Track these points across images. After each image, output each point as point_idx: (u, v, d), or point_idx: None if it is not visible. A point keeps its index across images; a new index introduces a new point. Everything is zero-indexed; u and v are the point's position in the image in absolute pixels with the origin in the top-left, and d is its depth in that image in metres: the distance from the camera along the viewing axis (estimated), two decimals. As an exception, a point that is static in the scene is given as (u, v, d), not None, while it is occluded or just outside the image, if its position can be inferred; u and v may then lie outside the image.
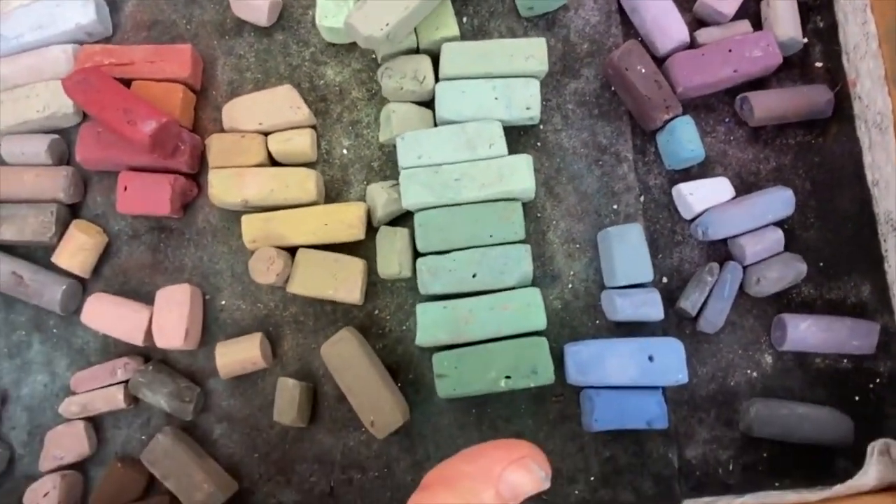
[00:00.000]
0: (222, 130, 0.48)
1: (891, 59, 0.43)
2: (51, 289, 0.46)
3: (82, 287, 0.47)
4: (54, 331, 0.47)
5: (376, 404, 0.42)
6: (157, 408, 0.45)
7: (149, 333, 0.45)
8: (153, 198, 0.45)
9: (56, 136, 0.48)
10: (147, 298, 0.46)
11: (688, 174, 0.47)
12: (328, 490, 0.44)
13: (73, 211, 0.48)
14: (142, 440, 0.46)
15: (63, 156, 0.49)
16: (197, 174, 0.48)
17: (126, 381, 0.45)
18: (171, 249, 0.47)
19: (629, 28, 0.49)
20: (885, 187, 0.44)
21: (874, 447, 0.40)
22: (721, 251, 0.46)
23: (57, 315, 0.47)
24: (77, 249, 0.46)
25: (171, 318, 0.44)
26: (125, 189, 0.46)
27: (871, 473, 0.39)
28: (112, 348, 0.47)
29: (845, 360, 0.45)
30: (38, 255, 0.48)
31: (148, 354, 0.46)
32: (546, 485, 0.34)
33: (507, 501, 0.34)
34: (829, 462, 0.44)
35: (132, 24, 0.50)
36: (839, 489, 0.39)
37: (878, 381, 0.44)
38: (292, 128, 0.47)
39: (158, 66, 0.47)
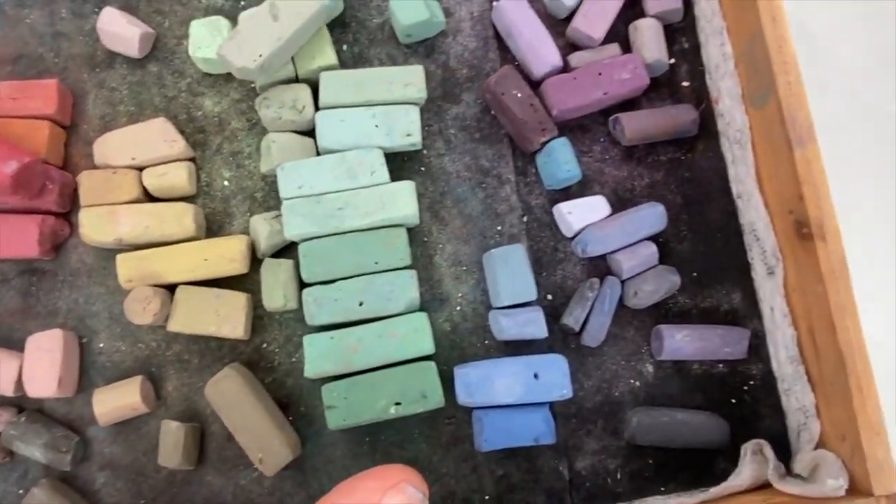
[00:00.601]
0: (95, 167, 0.46)
1: (746, 79, 0.45)
2: (-90, 341, 0.43)
3: (-53, 337, 0.45)
4: (-83, 385, 0.45)
5: (264, 441, 0.41)
6: (33, 460, 0.43)
7: (19, 383, 0.43)
8: (20, 240, 0.43)
9: (-88, 178, 0.46)
10: (19, 346, 0.44)
11: (567, 193, 0.49)
12: (220, 532, 0.43)
13: (-67, 257, 0.46)
14: (20, 494, 0.43)
15: (-79, 199, 0.46)
16: (69, 213, 0.46)
17: (-2, 435, 0.43)
18: (44, 293, 0.45)
19: (506, 53, 0.50)
20: (747, 200, 0.46)
21: (747, 448, 0.42)
22: (601, 267, 0.48)
23: (-81, 369, 0.44)
24: (-62, 298, 0.43)
25: (42, 365, 0.42)
26: (-11, 232, 0.44)
27: (744, 473, 0.41)
28: (-18, 400, 0.44)
29: (721, 365, 0.47)
30: None
31: (22, 405, 0.44)
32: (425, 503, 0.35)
33: None
34: (710, 464, 0.45)
35: (-5, 58, 0.48)
36: (715, 491, 0.41)
37: (751, 383, 0.47)
38: (168, 161, 0.46)
39: (22, 103, 0.45)
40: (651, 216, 0.47)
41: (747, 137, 0.45)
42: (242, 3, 0.50)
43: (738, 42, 0.46)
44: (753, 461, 0.42)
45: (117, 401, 0.42)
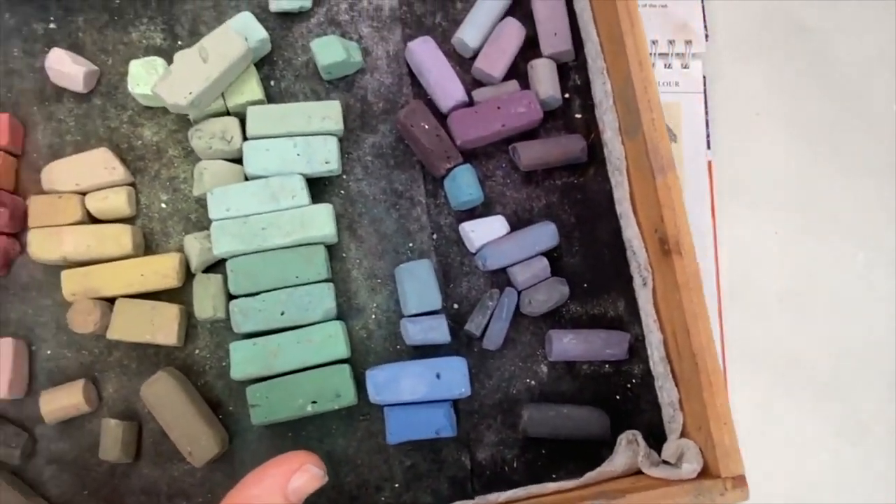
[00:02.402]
0: (43, 192, 0.51)
1: (622, 114, 0.52)
2: None
3: None
4: None
5: (193, 436, 0.47)
6: (-15, 456, 0.48)
7: (-27, 387, 0.47)
8: (-27, 259, 0.48)
9: None
10: (-28, 354, 0.49)
11: (473, 213, 0.55)
12: (155, 519, 0.49)
13: None
14: (-28, 489, 0.48)
15: None
16: (19, 233, 0.51)
17: (-48, 434, 0.47)
18: (-4, 306, 0.50)
19: (419, 88, 0.56)
20: (625, 219, 0.52)
21: (622, 438, 0.48)
22: (502, 279, 0.54)
23: None
24: None
25: (-6, 370, 0.47)
26: (-55, 251, 0.48)
27: (617, 461, 0.47)
28: (-62, 403, 0.49)
29: (607, 366, 0.53)
30: None
31: (-25, 407, 0.49)
32: (325, 479, 0.40)
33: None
34: (596, 454, 0.51)
35: (-48, 94, 0.53)
36: (590, 475, 0.47)
37: (634, 381, 0.53)
38: (109, 186, 0.51)
39: (-24, 135, 0.50)
40: (544, 233, 0.53)
41: (623, 165, 0.51)
42: (180, 42, 0.55)
43: (616, 81, 0.52)
44: (628, 449, 0.48)
45: (62, 401, 0.47)
